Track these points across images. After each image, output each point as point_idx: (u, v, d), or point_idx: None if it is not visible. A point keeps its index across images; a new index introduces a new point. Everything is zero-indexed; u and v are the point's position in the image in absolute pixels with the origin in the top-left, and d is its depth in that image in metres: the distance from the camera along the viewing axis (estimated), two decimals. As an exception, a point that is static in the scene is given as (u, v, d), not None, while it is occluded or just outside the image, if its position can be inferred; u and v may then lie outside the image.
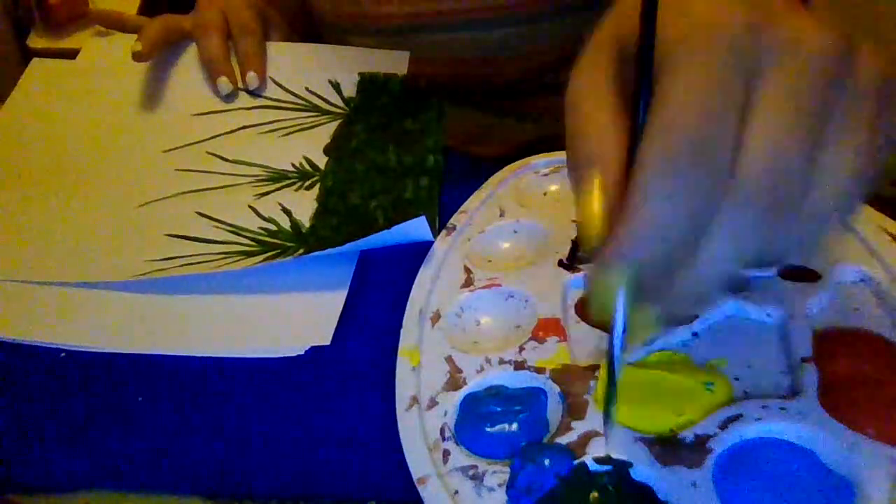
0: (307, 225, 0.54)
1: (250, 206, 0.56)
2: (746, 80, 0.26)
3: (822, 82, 0.27)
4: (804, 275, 0.42)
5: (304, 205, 0.56)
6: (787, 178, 0.26)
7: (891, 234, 0.43)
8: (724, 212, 0.26)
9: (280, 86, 0.66)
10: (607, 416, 0.35)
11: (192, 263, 0.52)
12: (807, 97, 0.27)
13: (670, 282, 0.28)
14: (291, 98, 0.66)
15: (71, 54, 0.71)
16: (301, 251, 0.52)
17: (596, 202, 0.28)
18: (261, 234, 0.54)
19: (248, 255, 0.52)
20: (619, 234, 0.27)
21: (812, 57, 0.27)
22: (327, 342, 0.46)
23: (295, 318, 0.48)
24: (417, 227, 0.48)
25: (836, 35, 0.27)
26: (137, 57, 0.64)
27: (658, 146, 0.26)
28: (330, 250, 0.48)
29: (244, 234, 0.54)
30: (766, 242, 0.27)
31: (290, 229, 0.54)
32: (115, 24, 0.73)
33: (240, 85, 0.66)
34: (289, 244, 0.53)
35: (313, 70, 0.67)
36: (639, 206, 0.26)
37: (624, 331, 0.30)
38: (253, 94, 0.66)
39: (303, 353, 0.45)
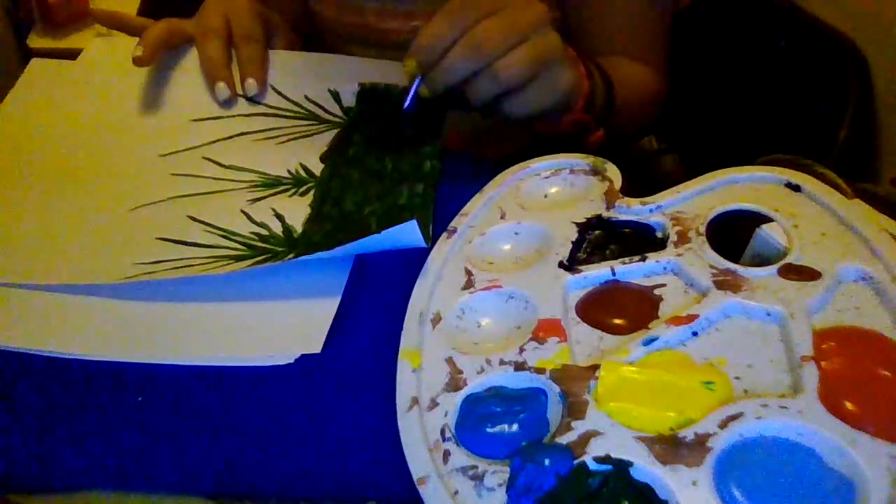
0: (299, 230, 0.54)
1: (242, 211, 0.56)
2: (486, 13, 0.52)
3: (522, 27, 0.52)
4: (804, 273, 0.42)
5: (297, 210, 0.56)
6: (487, 47, 0.51)
7: (891, 234, 0.43)
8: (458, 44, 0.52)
9: (279, 93, 0.66)
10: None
11: (180, 267, 0.51)
12: (509, 29, 0.52)
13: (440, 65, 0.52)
14: (290, 106, 0.65)
15: (71, 54, 0.70)
16: (291, 256, 0.51)
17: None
18: (251, 239, 0.54)
19: (238, 259, 0.52)
20: (418, 39, 0.53)
21: (517, 13, 0.52)
22: (318, 350, 0.45)
23: (286, 326, 0.47)
24: (408, 232, 0.47)
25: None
26: (138, 61, 0.63)
27: (445, 7, 0.52)
28: (319, 254, 0.48)
29: (235, 238, 0.54)
30: (470, 64, 0.52)
31: (281, 234, 0.54)
32: (117, 24, 0.72)
33: (238, 91, 0.66)
34: (279, 249, 0.53)
35: (313, 79, 0.67)
36: (429, 26, 0.52)
37: (415, 90, 0.55)
38: (252, 100, 0.65)
39: (292, 361, 0.45)
